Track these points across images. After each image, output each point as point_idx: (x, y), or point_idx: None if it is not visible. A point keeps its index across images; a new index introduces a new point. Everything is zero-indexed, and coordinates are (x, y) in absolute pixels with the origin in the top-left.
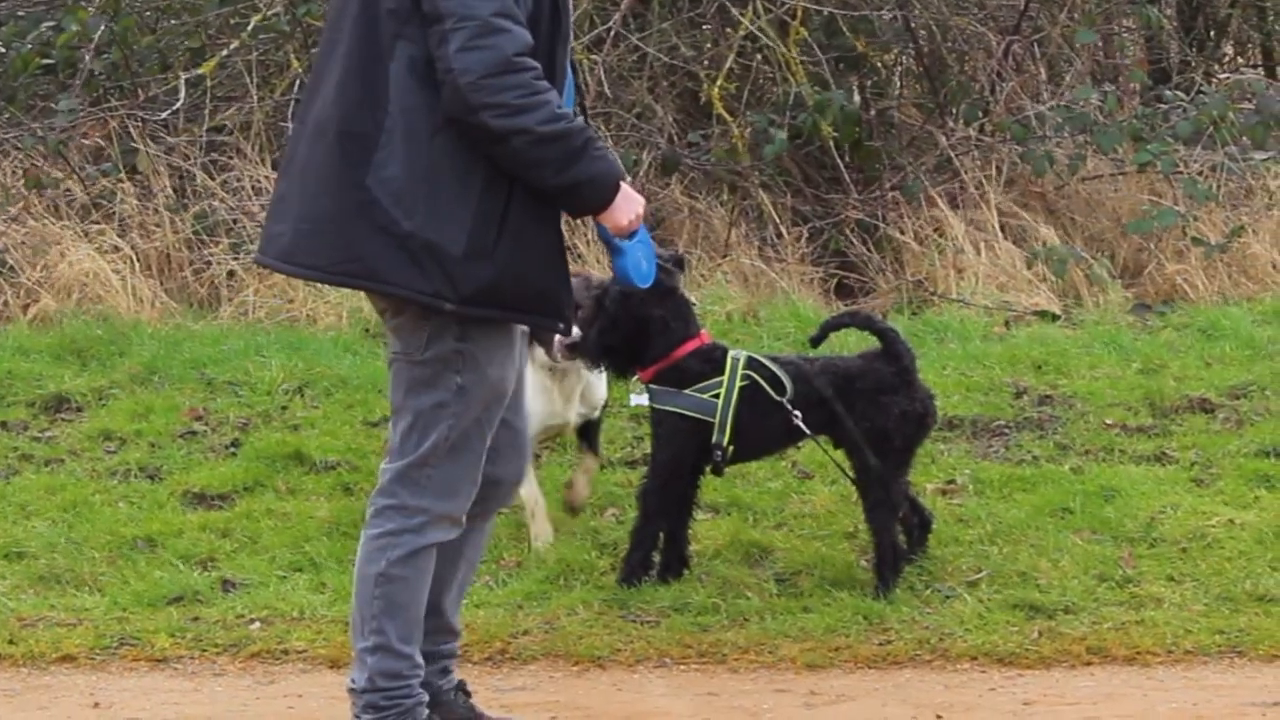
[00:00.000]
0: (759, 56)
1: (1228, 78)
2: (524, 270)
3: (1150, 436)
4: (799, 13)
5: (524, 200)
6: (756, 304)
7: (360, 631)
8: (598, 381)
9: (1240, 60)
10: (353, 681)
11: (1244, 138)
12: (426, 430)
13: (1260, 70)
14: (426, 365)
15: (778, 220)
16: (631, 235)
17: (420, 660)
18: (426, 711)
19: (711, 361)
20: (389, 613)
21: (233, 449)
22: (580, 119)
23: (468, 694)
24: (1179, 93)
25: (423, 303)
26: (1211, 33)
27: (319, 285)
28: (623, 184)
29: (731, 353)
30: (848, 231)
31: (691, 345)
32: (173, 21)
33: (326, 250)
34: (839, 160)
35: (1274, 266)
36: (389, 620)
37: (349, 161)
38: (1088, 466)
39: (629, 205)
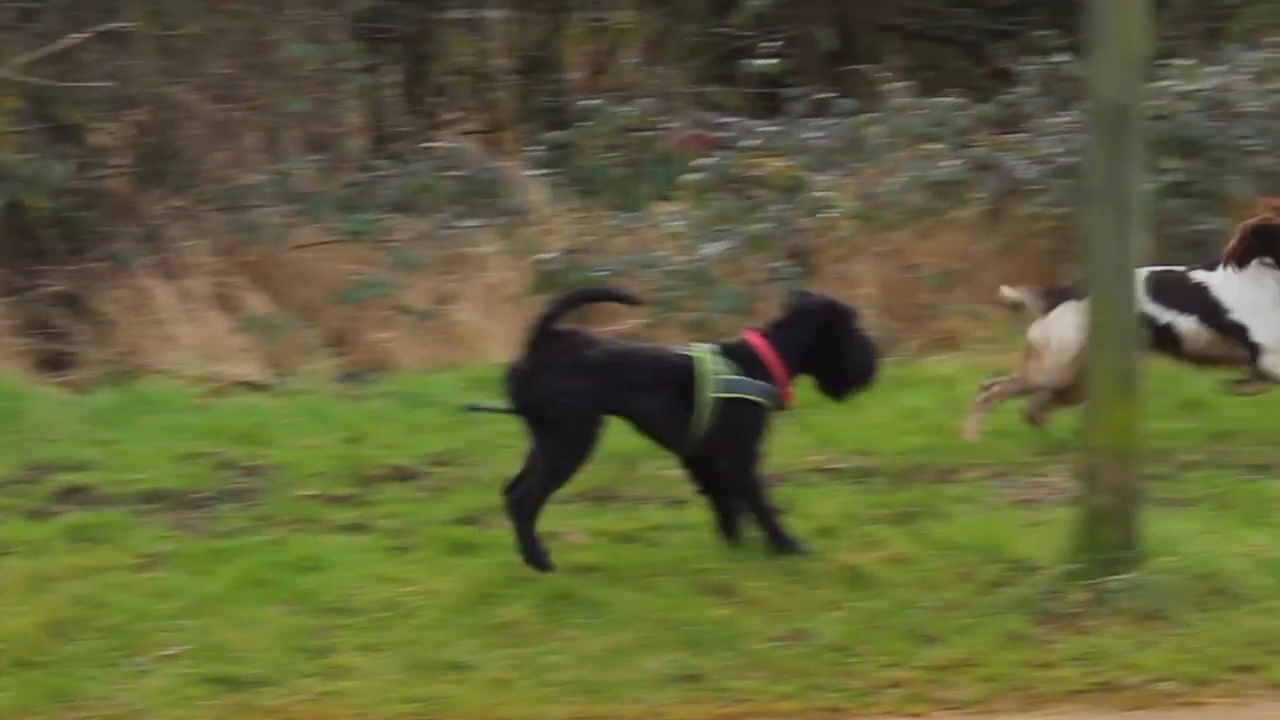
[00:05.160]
0: None
1: (440, 145)
2: None
3: (351, 506)
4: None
5: None
6: None
7: None
8: None
9: (466, 126)
10: None
11: (454, 205)
12: None
13: (482, 137)
14: None
15: None
16: None
17: None
18: None
19: None
20: None
21: None
22: None
23: None
24: (389, 161)
25: None
26: (432, 100)
27: None
28: None
29: None
30: (56, 304)
31: None
32: None
33: None
34: (48, 231)
35: (480, 333)
36: None
37: None
38: (288, 538)
39: None
